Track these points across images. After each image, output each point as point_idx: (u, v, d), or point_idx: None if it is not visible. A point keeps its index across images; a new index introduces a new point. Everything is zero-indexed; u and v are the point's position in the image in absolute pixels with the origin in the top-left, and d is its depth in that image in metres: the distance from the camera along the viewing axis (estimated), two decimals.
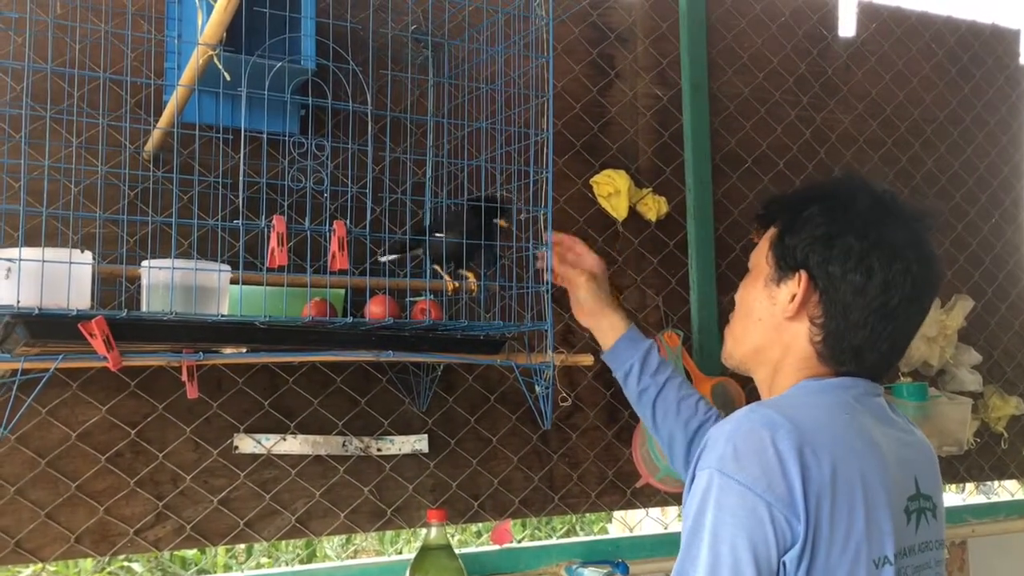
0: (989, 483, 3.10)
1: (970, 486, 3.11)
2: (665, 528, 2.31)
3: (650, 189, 2.16)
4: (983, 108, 2.69)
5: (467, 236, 1.53)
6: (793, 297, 1.24)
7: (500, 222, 1.58)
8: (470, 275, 1.62)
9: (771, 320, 1.27)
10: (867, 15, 2.55)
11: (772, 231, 1.30)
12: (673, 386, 1.61)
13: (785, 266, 1.25)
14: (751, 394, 1.38)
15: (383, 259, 1.59)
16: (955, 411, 2.34)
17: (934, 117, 2.61)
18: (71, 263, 1.26)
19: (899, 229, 1.22)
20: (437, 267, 1.61)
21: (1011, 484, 2.77)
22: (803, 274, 1.23)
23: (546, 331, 1.61)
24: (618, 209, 2.10)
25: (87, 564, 4.06)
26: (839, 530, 1.07)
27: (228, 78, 1.35)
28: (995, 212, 2.67)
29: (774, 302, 1.27)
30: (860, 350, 1.22)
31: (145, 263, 1.35)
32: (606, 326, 1.66)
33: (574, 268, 1.67)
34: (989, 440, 2.54)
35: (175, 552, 3.95)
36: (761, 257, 1.31)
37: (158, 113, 1.60)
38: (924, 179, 2.56)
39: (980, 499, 3.26)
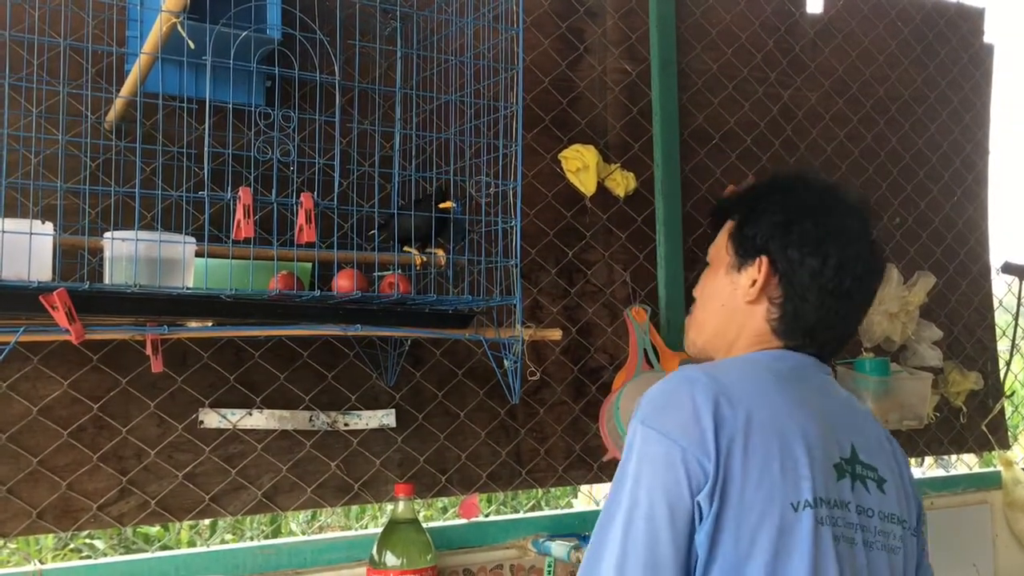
0: (948, 457, 3.16)
1: (929, 459, 3.17)
2: None
3: (618, 164, 2.16)
4: (947, 86, 2.71)
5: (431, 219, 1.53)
6: (754, 282, 1.28)
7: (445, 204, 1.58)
8: (439, 250, 1.61)
9: (732, 304, 1.31)
10: None
11: (729, 224, 1.35)
12: None
13: (745, 253, 1.30)
14: None
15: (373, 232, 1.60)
16: (916, 386, 2.38)
17: (899, 95, 2.63)
18: (32, 234, 1.25)
19: (848, 217, 1.29)
20: (407, 248, 1.60)
21: (969, 458, 2.82)
22: (763, 259, 1.27)
23: (515, 305, 1.61)
24: (586, 184, 2.09)
25: (48, 540, 4.02)
26: (752, 471, 1.11)
27: (192, 47, 1.32)
28: (957, 190, 2.70)
29: (736, 287, 1.31)
30: (814, 328, 1.27)
31: (108, 234, 1.33)
32: None
33: None
34: (948, 414, 2.59)
35: (138, 528, 3.93)
36: (720, 249, 1.35)
37: (120, 82, 1.57)
38: (888, 156, 2.58)
39: (939, 472, 3.33)
